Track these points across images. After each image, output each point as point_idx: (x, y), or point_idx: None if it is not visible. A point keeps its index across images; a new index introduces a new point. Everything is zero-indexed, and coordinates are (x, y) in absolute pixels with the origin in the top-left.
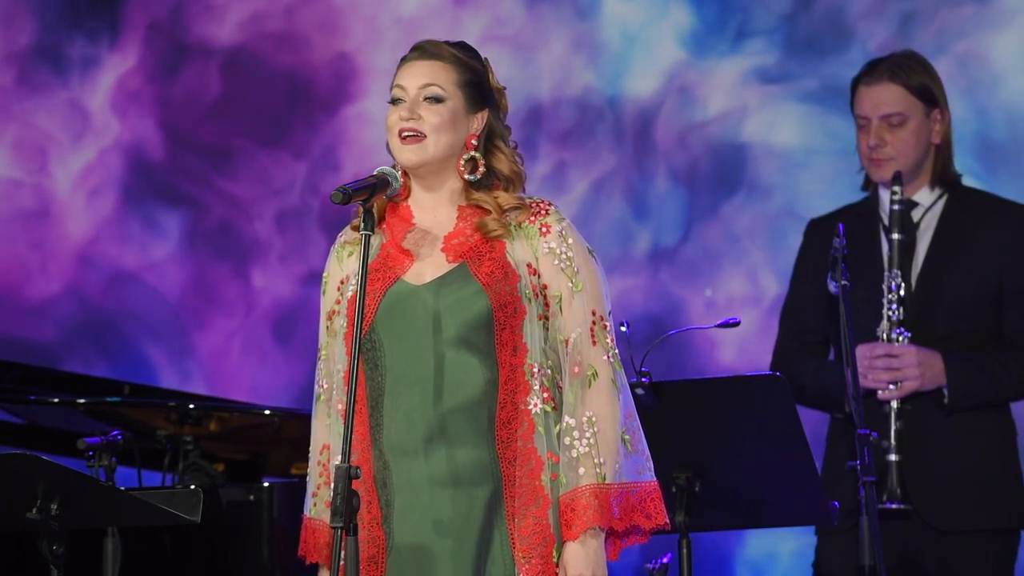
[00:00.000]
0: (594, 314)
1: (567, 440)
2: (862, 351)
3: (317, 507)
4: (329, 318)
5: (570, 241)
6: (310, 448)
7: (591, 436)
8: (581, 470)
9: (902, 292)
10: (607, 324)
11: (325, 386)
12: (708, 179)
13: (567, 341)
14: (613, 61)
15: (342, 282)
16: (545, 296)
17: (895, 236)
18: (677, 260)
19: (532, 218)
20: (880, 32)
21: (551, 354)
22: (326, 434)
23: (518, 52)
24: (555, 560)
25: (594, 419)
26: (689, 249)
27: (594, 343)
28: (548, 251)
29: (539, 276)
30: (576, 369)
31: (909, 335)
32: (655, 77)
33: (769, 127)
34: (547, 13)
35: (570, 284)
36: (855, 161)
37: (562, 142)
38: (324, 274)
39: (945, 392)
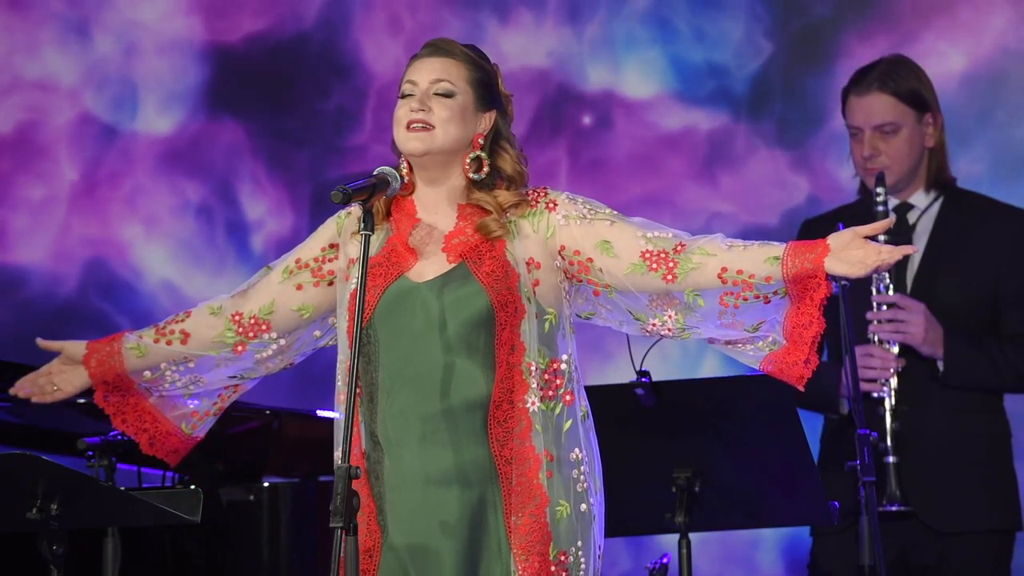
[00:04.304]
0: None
1: (752, 254)
2: (858, 351)
3: (141, 338)
4: (298, 264)
5: (580, 200)
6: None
7: (745, 243)
8: (773, 243)
9: (890, 293)
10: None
11: (238, 292)
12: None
13: (644, 253)
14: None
15: (332, 247)
16: (581, 264)
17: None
18: None
19: (534, 203)
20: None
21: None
22: (198, 311)
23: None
24: (552, 557)
25: (729, 243)
26: None
27: (668, 235)
28: (565, 218)
29: (564, 252)
30: (678, 248)
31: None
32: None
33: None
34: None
35: (608, 222)
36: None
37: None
38: (320, 227)
39: (940, 365)
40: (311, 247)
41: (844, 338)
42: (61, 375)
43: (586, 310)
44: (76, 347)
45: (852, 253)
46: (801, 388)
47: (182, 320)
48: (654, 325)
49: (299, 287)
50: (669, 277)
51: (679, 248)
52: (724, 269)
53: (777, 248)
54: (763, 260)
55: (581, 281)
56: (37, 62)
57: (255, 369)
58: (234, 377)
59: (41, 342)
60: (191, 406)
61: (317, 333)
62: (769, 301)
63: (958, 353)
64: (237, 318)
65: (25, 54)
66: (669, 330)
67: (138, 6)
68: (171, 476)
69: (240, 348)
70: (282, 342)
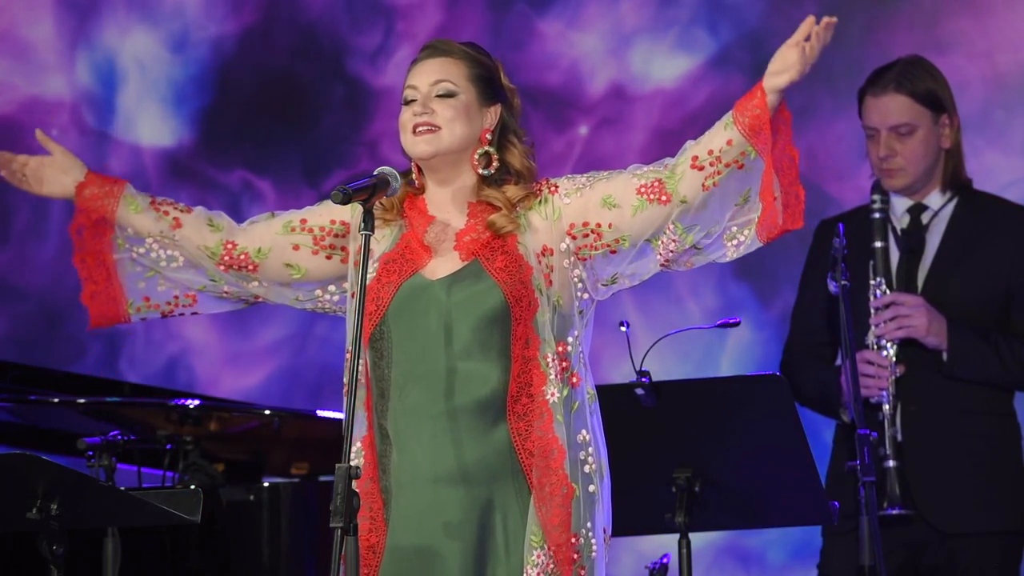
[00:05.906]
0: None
1: (711, 132)
2: (857, 357)
3: (137, 196)
4: (303, 224)
5: (578, 176)
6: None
7: (704, 134)
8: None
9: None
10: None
11: (239, 226)
12: None
13: (640, 189)
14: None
15: (342, 223)
16: (594, 233)
17: (877, 244)
18: None
19: (538, 193)
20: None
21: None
22: (198, 213)
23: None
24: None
25: (699, 143)
26: None
27: (659, 166)
28: (567, 195)
29: (574, 229)
30: (665, 171)
31: (894, 347)
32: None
33: None
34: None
35: (605, 180)
36: None
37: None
38: (328, 200)
39: (945, 356)
40: (321, 214)
41: (844, 340)
42: (37, 171)
43: (607, 276)
44: (74, 165)
45: (784, 62)
46: (800, 224)
47: (181, 210)
48: (663, 243)
49: (296, 247)
50: (663, 198)
51: (665, 170)
52: (695, 158)
53: (728, 113)
54: (721, 129)
55: (598, 250)
56: (37, 62)
57: (227, 287)
58: (208, 274)
59: (40, 134)
60: (146, 289)
61: (300, 296)
62: (742, 166)
63: (962, 342)
64: (229, 247)
65: (24, 53)
66: (675, 241)
67: (140, 6)
68: (171, 476)
69: (222, 268)
70: (264, 285)
